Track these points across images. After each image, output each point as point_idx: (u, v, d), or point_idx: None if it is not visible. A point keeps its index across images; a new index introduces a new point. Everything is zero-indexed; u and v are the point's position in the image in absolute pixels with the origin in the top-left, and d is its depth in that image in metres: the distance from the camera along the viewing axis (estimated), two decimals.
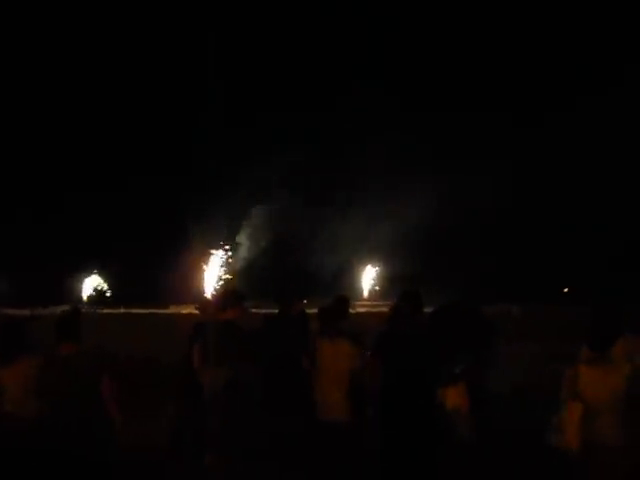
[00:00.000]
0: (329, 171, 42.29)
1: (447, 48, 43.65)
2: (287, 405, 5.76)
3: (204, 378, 5.78)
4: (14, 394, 4.71)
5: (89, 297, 46.56)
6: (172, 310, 31.90)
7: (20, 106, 42.01)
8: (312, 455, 5.66)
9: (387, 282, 45.92)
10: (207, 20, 43.05)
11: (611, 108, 35.92)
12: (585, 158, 37.67)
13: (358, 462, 5.63)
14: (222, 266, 45.21)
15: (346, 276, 45.42)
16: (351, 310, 6.63)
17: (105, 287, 46.97)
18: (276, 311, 6.42)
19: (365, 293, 49.06)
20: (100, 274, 46.77)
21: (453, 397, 5.15)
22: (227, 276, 44.36)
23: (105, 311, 32.92)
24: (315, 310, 6.05)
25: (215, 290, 40.87)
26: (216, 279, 44.26)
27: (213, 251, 44.68)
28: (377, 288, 48.33)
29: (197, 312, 7.20)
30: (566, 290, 42.08)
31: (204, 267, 44.46)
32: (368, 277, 49.88)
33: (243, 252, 45.47)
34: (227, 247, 45.22)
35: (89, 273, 46.52)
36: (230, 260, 45.35)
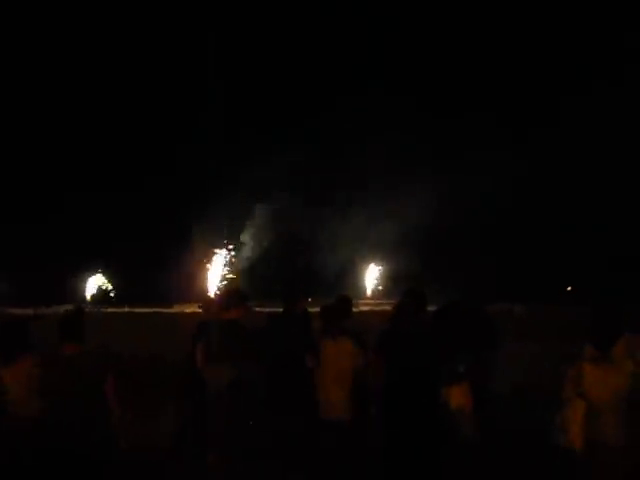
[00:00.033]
0: (329, 171, 42.28)
1: (447, 48, 43.66)
2: (290, 404, 5.78)
3: (207, 377, 5.82)
4: (16, 394, 4.71)
5: (93, 296, 46.53)
6: (176, 309, 31.90)
7: (20, 106, 42.06)
8: (315, 454, 5.69)
9: (390, 281, 45.89)
10: (207, 20, 43.10)
11: (611, 108, 35.92)
12: (585, 158, 37.66)
13: (361, 461, 5.66)
14: (225, 265, 45.21)
15: (349, 275, 45.42)
16: (354, 309, 6.67)
17: (109, 286, 46.95)
18: (280, 310, 6.45)
19: (368, 292, 49.04)
20: (104, 273, 46.76)
21: (457, 396, 5.18)
22: (231, 275, 44.34)
23: (109, 310, 32.91)
24: (318, 309, 6.09)
25: (218, 289, 40.86)
26: (220, 278, 44.25)
27: (217, 250, 44.69)
28: (380, 288, 48.29)
29: (200, 311, 7.23)
30: (569, 289, 42.04)
31: (208, 266, 44.47)
32: (371, 276, 49.86)
33: (246, 251, 45.44)
34: (230, 247, 45.24)
35: (93, 272, 46.50)
36: (233, 260, 45.33)
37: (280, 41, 44.16)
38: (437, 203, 38.45)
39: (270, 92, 44.10)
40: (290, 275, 36.26)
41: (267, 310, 9.44)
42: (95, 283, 47.01)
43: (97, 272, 46.46)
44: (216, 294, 32.82)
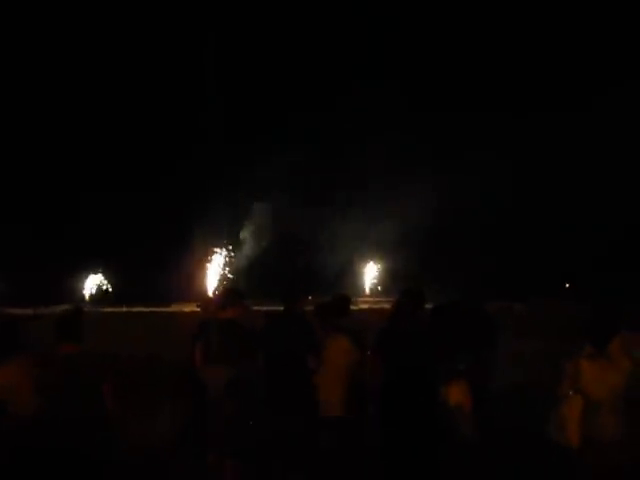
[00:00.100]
0: (329, 171, 42.30)
1: (447, 48, 43.67)
2: (290, 404, 5.76)
3: (205, 377, 5.80)
4: (7, 394, 4.70)
5: (91, 296, 46.56)
6: (174, 308, 31.89)
7: (18, 107, 42.06)
8: (315, 454, 5.67)
9: (389, 279, 45.95)
10: (207, 20, 43.11)
11: (611, 108, 35.92)
12: (585, 157, 37.67)
13: (360, 459, 5.64)
14: (225, 265, 45.24)
15: (348, 274, 45.44)
16: (353, 307, 6.65)
17: (108, 286, 46.96)
18: (279, 309, 6.43)
19: (367, 290, 49.12)
20: (102, 273, 46.77)
21: (456, 395, 5.17)
22: (230, 275, 44.37)
23: (107, 310, 32.91)
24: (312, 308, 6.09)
25: (217, 289, 40.88)
26: (219, 277, 44.27)
27: (216, 250, 44.71)
28: (379, 288, 48.34)
29: (199, 310, 7.21)
30: (567, 286, 42.07)
31: (207, 266, 44.49)
32: (370, 275, 49.95)
33: (246, 250, 45.47)
34: (230, 247, 45.27)
35: (91, 272, 46.52)
36: (232, 259, 45.36)
37: (280, 41, 44.24)
38: (437, 203, 38.51)
39: (270, 92, 44.16)
40: (290, 274, 36.28)
41: (265, 309, 9.41)
42: (94, 283, 47.03)
43: (96, 272, 46.47)
44: (214, 293, 32.84)
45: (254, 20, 45.06)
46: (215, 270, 44.98)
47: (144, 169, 43.31)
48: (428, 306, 5.77)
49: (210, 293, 38.13)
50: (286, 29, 44.73)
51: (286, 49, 44.59)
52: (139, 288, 37.63)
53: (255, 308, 8.01)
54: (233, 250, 45.62)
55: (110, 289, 46.74)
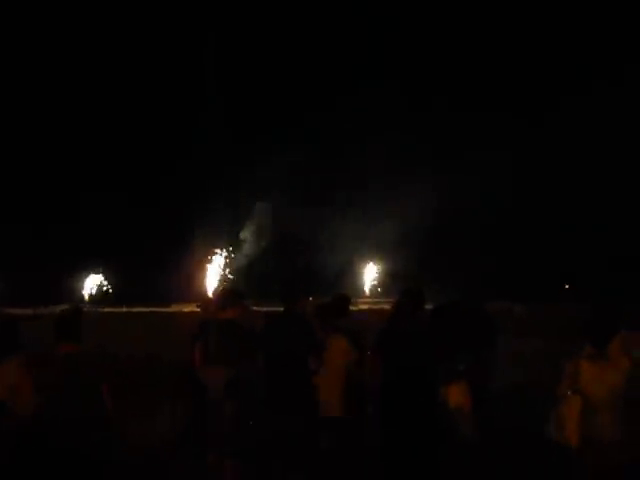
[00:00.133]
0: (329, 171, 42.29)
1: (447, 48, 43.67)
2: (290, 404, 5.76)
3: (205, 377, 5.79)
4: (9, 394, 4.69)
5: (91, 296, 46.54)
6: (174, 309, 31.88)
7: (19, 107, 42.04)
8: (315, 454, 5.67)
9: (389, 280, 45.95)
10: (207, 20, 43.10)
11: (611, 107, 35.93)
12: (585, 158, 37.67)
13: (359, 459, 5.64)
14: (225, 265, 45.22)
15: (348, 274, 45.43)
16: (352, 307, 6.65)
17: (108, 287, 46.96)
18: (280, 309, 6.42)
19: (367, 291, 49.13)
20: (102, 273, 46.76)
21: (456, 395, 5.16)
22: (230, 275, 44.36)
23: (106, 310, 32.90)
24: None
25: (216, 289, 40.84)
26: (219, 278, 44.25)
27: (217, 250, 44.70)
28: (379, 289, 48.36)
29: (198, 310, 7.20)
30: (567, 287, 42.07)
31: (207, 266, 44.47)
32: (370, 275, 49.95)
33: (245, 251, 45.45)
34: (230, 247, 45.26)
35: (91, 272, 46.51)
36: (232, 260, 45.34)
37: (280, 41, 44.22)
38: (437, 203, 38.52)
39: (270, 92, 44.14)
40: (290, 274, 36.28)
41: (265, 310, 9.40)
42: (93, 283, 47.01)
43: (97, 272, 46.45)
44: (214, 294, 32.82)
45: (254, 20, 45.10)
46: (215, 270, 44.99)
47: (144, 169, 43.36)
48: (428, 306, 5.76)
49: (210, 293, 38.09)
50: (286, 29, 44.76)
51: (286, 49, 44.64)
52: (139, 288, 37.62)
53: (255, 308, 8.01)
54: (233, 250, 45.62)
55: (110, 289, 46.74)
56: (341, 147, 42.18)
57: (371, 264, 49.44)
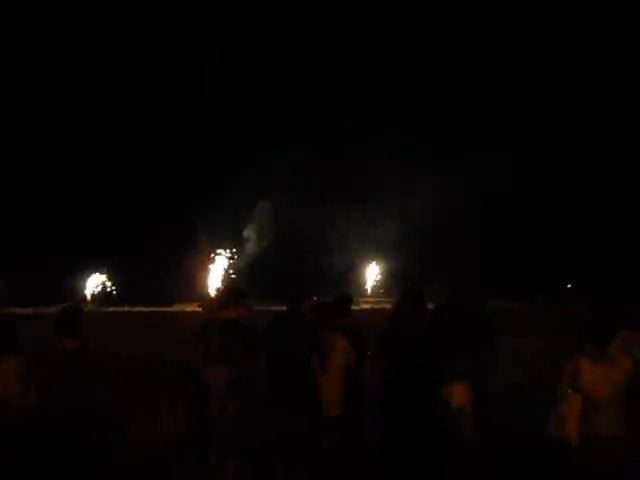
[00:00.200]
0: (329, 171, 42.27)
1: (447, 48, 43.64)
2: (293, 403, 5.78)
3: (207, 377, 5.81)
4: (8, 392, 4.72)
5: (93, 295, 46.52)
6: (176, 308, 31.88)
7: (20, 107, 42.03)
8: (317, 453, 5.69)
9: (390, 279, 45.93)
10: (207, 20, 43.11)
11: (611, 107, 35.92)
12: (586, 157, 37.65)
13: (360, 459, 5.66)
14: (228, 265, 45.22)
15: (351, 274, 45.42)
16: (354, 307, 6.68)
17: (110, 285, 46.93)
18: (282, 309, 6.44)
19: (369, 290, 49.13)
20: (104, 272, 46.74)
21: (458, 395, 5.19)
22: (232, 275, 44.33)
23: (108, 309, 32.91)
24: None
25: (218, 289, 40.80)
26: (221, 277, 44.22)
27: (219, 250, 44.69)
28: (381, 291, 48.36)
29: (200, 310, 7.21)
30: (569, 286, 42.07)
31: (209, 266, 44.45)
32: (372, 275, 49.95)
33: (248, 250, 45.45)
34: (234, 249, 45.25)
35: (93, 271, 46.49)
36: (235, 259, 45.35)
37: (280, 41, 44.19)
38: (437, 203, 38.51)
39: (271, 92, 44.12)
40: (296, 274, 36.25)
41: (267, 309, 9.40)
42: (95, 282, 46.98)
43: (102, 272, 46.44)
44: (216, 293, 32.79)
45: (254, 20, 45.07)
46: (218, 270, 44.97)
47: (146, 168, 43.32)
48: (429, 306, 5.78)
49: (212, 293, 38.09)
50: (286, 29, 44.71)
51: (287, 49, 44.57)
52: (141, 288, 37.61)
53: (258, 308, 8.03)
54: (236, 250, 45.61)
55: (113, 289, 46.72)
56: (342, 147, 42.18)
57: (373, 264, 49.45)
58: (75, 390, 4.65)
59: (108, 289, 46.66)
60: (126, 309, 33.30)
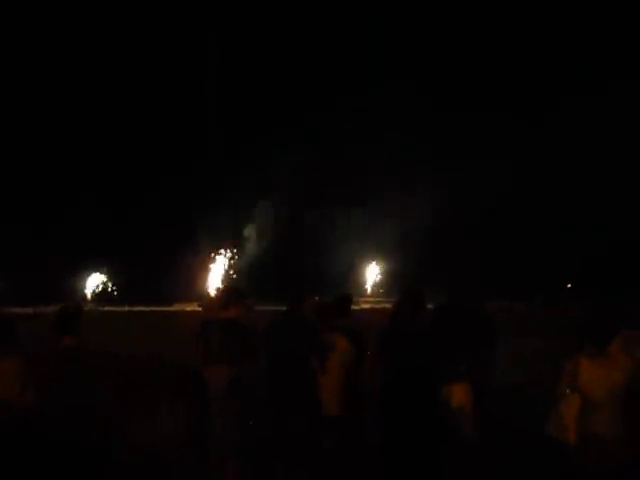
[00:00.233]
0: (330, 171, 42.28)
1: (448, 48, 43.65)
2: (293, 403, 5.78)
3: (207, 377, 5.80)
4: (6, 392, 4.72)
5: (93, 295, 46.51)
6: (175, 308, 31.90)
7: (20, 106, 42.04)
8: (317, 453, 5.69)
9: (390, 279, 45.98)
10: (208, 19, 43.10)
11: (611, 108, 35.94)
12: (586, 157, 37.66)
13: (360, 458, 5.66)
14: (228, 264, 45.25)
15: (351, 274, 45.44)
16: (354, 307, 6.67)
17: (110, 285, 46.93)
18: (282, 308, 6.44)
19: (369, 290, 49.17)
20: (104, 272, 46.74)
21: (458, 395, 5.18)
22: (233, 275, 44.35)
23: (108, 309, 32.92)
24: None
25: (218, 288, 40.81)
26: (222, 277, 44.24)
27: (220, 250, 44.71)
28: (381, 290, 48.39)
29: (200, 310, 7.21)
30: (569, 286, 42.09)
31: (210, 265, 44.47)
32: (372, 275, 49.99)
33: (249, 250, 45.46)
34: (234, 248, 45.27)
35: (93, 271, 46.49)
36: (236, 259, 45.37)
37: (281, 40, 44.18)
38: (438, 203, 38.56)
39: (270, 93, 44.12)
40: (297, 274, 36.28)
41: (264, 309, 9.40)
42: (95, 281, 46.97)
43: (98, 271, 46.42)
44: (216, 293, 32.80)
45: (254, 20, 45.07)
46: (218, 270, 44.99)
47: (146, 168, 43.32)
48: (429, 307, 5.78)
49: (212, 293, 38.11)
50: (286, 29, 44.71)
51: (286, 50, 44.57)
52: (142, 288, 37.62)
53: (259, 308, 8.02)
54: (236, 250, 45.62)
55: (113, 288, 46.71)
56: (342, 147, 42.19)
57: (373, 264, 49.48)
58: (74, 389, 4.65)
59: (108, 289, 46.65)
60: (126, 309, 33.30)
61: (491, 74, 42.66)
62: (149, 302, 32.46)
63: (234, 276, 44.15)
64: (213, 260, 44.88)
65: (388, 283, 46.65)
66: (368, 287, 49.60)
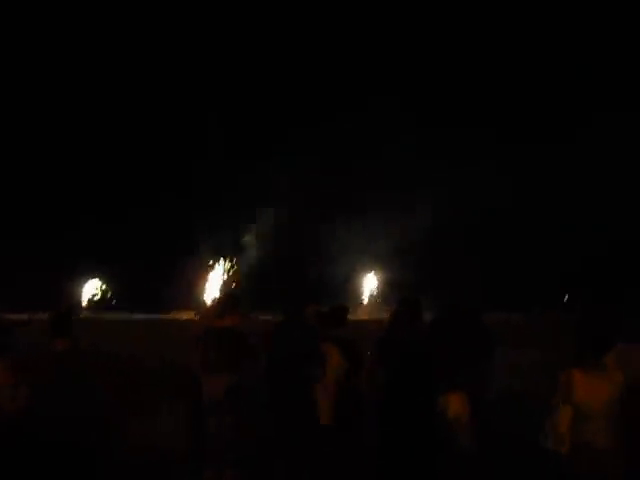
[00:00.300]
0: (331, 182, 42.36)
1: (447, 61, 43.84)
2: (291, 410, 5.77)
3: (204, 386, 5.78)
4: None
5: (90, 301, 46.43)
6: (172, 316, 31.85)
7: (19, 112, 42.13)
8: (315, 461, 5.67)
9: (387, 289, 46.01)
10: (208, 24, 43.22)
11: (612, 110, 36.05)
12: (585, 167, 37.74)
13: (353, 468, 5.64)
14: (227, 273, 45.28)
15: (348, 284, 45.46)
16: (351, 317, 6.67)
17: (107, 292, 46.87)
18: (281, 317, 6.44)
19: (365, 300, 49.17)
20: (102, 279, 46.68)
21: (454, 406, 5.17)
22: (232, 283, 44.35)
23: (104, 316, 32.90)
24: None
25: (215, 297, 40.77)
26: (220, 286, 44.22)
27: (220, 258, 44.77)
28: (378, 300, 48.39)
29: (196, 319, 7.19)
30: (566, 299, 42.11)
31: (209, 274, 44.49)
32: (369, 285, 50.00)
33: (248, 260, 45.47)
34: (233, 257, 45.32)
35: (90, 277, 46.43)
36: (235, 268, 45.40)
37: (284, 47, 44.31)
38: (436, 215, 38.68)
39: (271, 106, 44.21)
40: (297, 284, 36.27)
41: (264, 318, 9.40)
42: (92, 288, 46.88)
43: (96, 277, 46.38)
44: (213, 301, 32.78)
45: (256, 25, 45.20)
46: (217, 279, 45.00)
47: (144, 174, 43.36)
48: (427, 317, 5.77)
49: (209, 301, 38.09)
50: (287, 34, 44.81)
51: (290, 56, 44.68)
52: (140, 295, 37.57)
53: (256, 317, 8.02)
54: (236, 260, 45.64)
55: (110, 295, 46.64)
56: (343, 160, 42.27)
57: (371, 274, 49.52)
58: (67, 390, 4.67)
59: (107, 295, 46.59)
60: (122, 316, 33.23)
61: (492, 86, 42.85)
62: (146, 309, 32.44)
63: (234, 285, 44.16)
64: (212, 268, 44.92)
65: (385, 293, 46.69)
66: (365, 298, 49.63)
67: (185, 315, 28.77)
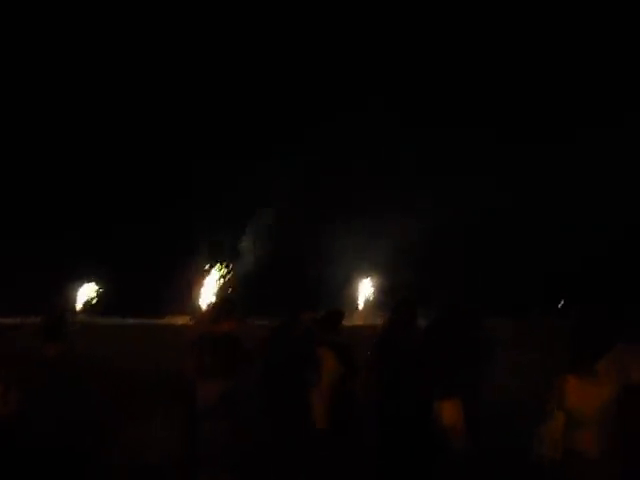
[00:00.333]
0: (331, 182, 42.38)
1: (445, 63, 43.94)
2: (287, 414, 5.76)
3: (199, 391, 5.76)
4: None
5: (84, 305, 46.34)
6: (167, 321, 31.79)
7: (22, 110, 42.14)
8: (311, 465, 5.66)
9: (383, 295, 46.04)
10: (208, 29, 43.28)
11: (612, 113, 36.15)
12: (583, 173, 37.83)
13: (349, 472, 5.63)
14: (224, 277, 45.25)
15: (344, 288, 45.47)
16: (346, 323, 6.66)
17: (101, 296, 46.78)
18: (278, 321, 6.44)
19: (361, 305, 49.18)
20: (96, 283, 46.61)
21: (449, 411, 5.14)
22: (229, 288, 44.31)
23: (98, 320, 32.85)
24: None
25: (209, 302, 40.79)
26: (216, 291, 44.17)
27: (216, 262, 44.75)
28: (374, 304, 48.41)
29: (191, 324, 7.18)
30: (562, 304, 42.13)
31: (205, 279, 44.44)
32: (365, 290, 50.01)
33: (245, 264, 45.47)
34: (230, 259, 45.31)
35: (83, 282, 46.34)
36: (232, 272, 45.36)
37: (284, 48, 44.35)
38: (436, 218, 38.74)
39: (269, 107, 44.25)
40: (296, 287, 36.28)
41: (261, 323, 9.40)
42: (85, 293, 46.79)
43: (88, 281, 46.30)
44: (209, 306, 32.76)
45: (255, 26, 45.25)
46: (214, 283, 44.96)
47: (141, 179, 43.35)
48: (424, 321, 5.76)
49: (205, 306, 38.07)
50: (287, 36, 44.86)
51: (290, 57, 44.72)
52: (135, 299, 37.50)
53: (256, 323, 8.01)
54: (233, 263, 45.64)
55: (103, 299, 46.54)
56: (342, 160, 42.31)
57: (367, 279, 49.53)
58: (60, 395, 4.64)
59: (95, 296, 46.48)
60: (116, 321, 33.17)
61: (490, 88, 42.95)
62: (143, 312, 32.40)
63: (230, 289, 44.12)
64: (209, 273, 44.88)
65: (381, 298, 46.70)
66: (361, 302, 49.64)
67: (180, 320, 28.70)
